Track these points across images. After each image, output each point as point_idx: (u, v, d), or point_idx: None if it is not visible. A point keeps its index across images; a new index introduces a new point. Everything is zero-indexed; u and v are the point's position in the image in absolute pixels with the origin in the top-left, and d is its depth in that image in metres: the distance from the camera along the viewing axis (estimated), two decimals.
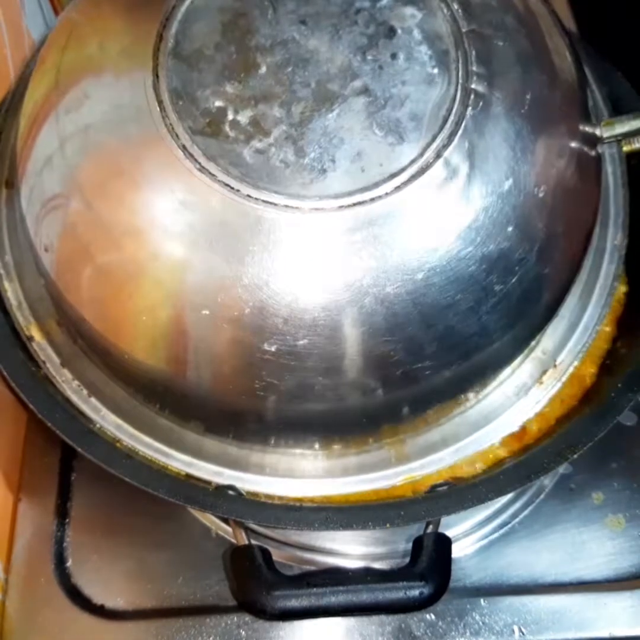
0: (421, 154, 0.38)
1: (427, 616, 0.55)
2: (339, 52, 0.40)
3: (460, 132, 0.38)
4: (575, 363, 0.48)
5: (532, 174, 0.40)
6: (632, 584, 0.56)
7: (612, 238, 0.49)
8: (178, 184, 0.38)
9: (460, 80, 0.39)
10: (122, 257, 0.39)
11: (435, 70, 0.40)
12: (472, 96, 0.39)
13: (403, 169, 0.38)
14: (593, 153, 0.45)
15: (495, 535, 0.58)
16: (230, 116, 0.38)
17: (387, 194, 0.37)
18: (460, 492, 0.45)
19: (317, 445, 0.46)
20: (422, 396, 0.43)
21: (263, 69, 0.39)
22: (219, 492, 0.46)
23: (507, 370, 0.47)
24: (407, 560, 0.46)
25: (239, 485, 0.46)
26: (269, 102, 0.39)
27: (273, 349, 0.38)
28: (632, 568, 0.57)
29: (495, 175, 0.39)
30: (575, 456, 0.44)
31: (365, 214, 0.37)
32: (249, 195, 0.37)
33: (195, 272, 0.38)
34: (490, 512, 0.58)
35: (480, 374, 0.45)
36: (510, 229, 0.39)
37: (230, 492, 0.46)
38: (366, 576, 0.45)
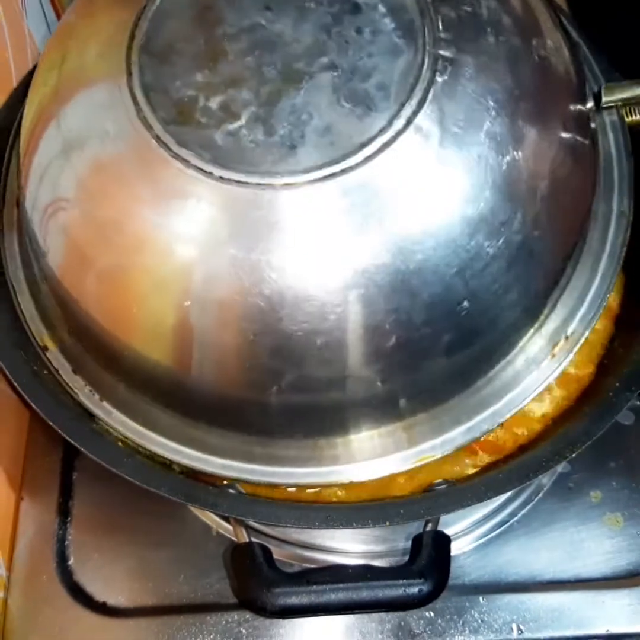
0: (390, 123, 0.38)
1: (427, 613, 0.55)
2: (304, 32, 0.40)
3: (429, 97, 0.38)
4: (587, 333, 0.46)
5: (510, 136, 0.39)
6: (629, 582, 0.56)
7: (618, 204, 0.49)
8: (154, 173, 0.38)
9: (426, 47, 0.39)
10: (112, 250, 0.40)
11: (401, 40, 0.39)
12: (440, 62, 0.39)
13: (373, 139, 0.38)
14: (583, 116, 0.44)
15: (494, 533, 0.58)
16: (201, 103, 0.39)
17: (357, 164, 0.37)
18: (460, 491, 0.45)
19: (326, 432, 0.45)
20: (428, 374, 0.43)
21: (231, 56, 0.40)
22: (220, 490, 0.46)
23: (517, 346, 0.46)
24: (407, 558, 0.46)
25: (250, 477, 0.46)
26: (238, 86, 0.39)
27: (255, 327, 0.38)
28: (629, 566, 0.57)
29: (469, 139, 0.38)
30: (573, 455, 0.44)
31: (338, 186, 0.37)
32: (221, 177, 0.37)
33: (175, 258, 0.38)
34: (489, 510, 0.58)
35: (487, 348, 0.44)
36: (488, 192, 0.39)
37: (231, 491, 0.46)
38: (366, 574, 0.45)
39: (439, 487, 0.48)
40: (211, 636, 0.55)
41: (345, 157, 0.37)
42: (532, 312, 0.46)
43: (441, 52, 0.39)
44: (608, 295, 0.47)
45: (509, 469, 0.46)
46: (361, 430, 0.45)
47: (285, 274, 0.38)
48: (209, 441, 0.46)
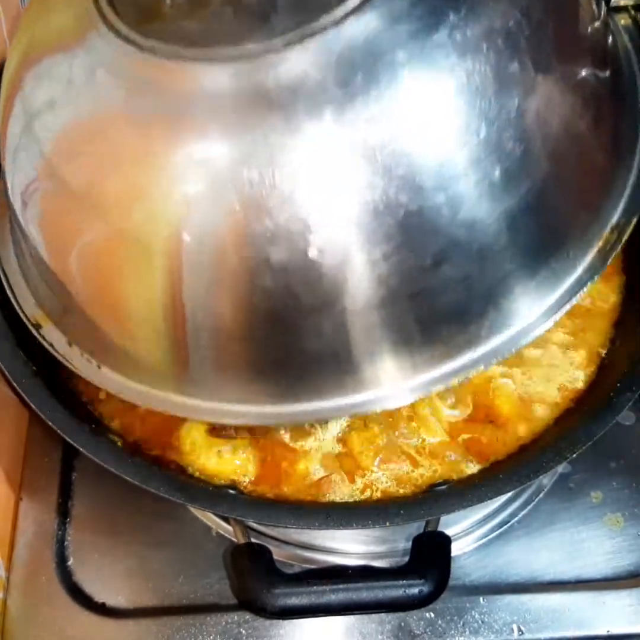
0: None
1: (427, 614, 0.55)
2: None
3: None
4: (634, 220, 0.43)
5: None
6: (630, 583, 0.56)
7: None
8: (127, 72, 0.37)
9: None
10: (90, 162, 0.38)
11: None
12: None
13: None
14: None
15: (495, 533, 0.58)
16: (168, 1, 0.38)
17: (337, 20, 0.35)
18: (460, 491, 0.45)
19: (350, 359, 0.40)
20: (459, 263, 0.38)
21: None
22: (220, 491, 0.46)
23: (558, 239, 0.42)
24: (407, 558, 0.46)
25: (275, 420, 0.42)
26: None
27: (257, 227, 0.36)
28: (630, 566, 0.57)
29: None
30: (574, 455, 0.44)
31: (320, 46, 0.35)
32: (193, 58, 0.36)
33: (156, 152, 0.37)
34: (489, 510, 0.58)
35: (518, 237, 0.39)
36: (480, 50, 0.36)
37: (231, 491, 0.46)
38: (366, 574, 0.45)
39: (439, 487, 0.48)
40: (211, 637, 0.55)
41: (323, 15, 0.35)
42: (558, 202, 0.41)
43: None
44: None
45: (509, 469, 0.46)
46: (386, 352, 0.40)
47: (277, 153, 0.35)
48: (224, 391, 0.42)
